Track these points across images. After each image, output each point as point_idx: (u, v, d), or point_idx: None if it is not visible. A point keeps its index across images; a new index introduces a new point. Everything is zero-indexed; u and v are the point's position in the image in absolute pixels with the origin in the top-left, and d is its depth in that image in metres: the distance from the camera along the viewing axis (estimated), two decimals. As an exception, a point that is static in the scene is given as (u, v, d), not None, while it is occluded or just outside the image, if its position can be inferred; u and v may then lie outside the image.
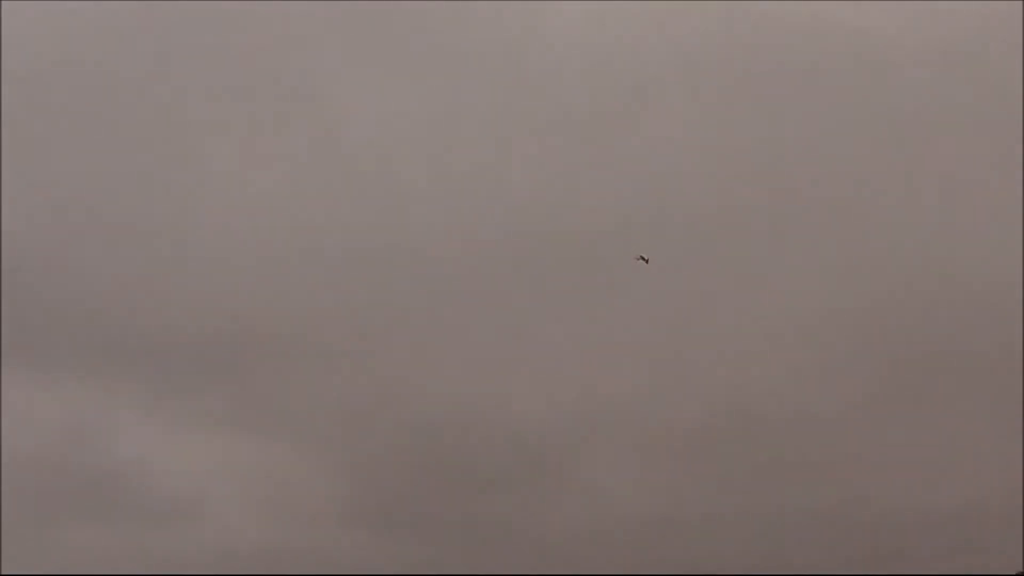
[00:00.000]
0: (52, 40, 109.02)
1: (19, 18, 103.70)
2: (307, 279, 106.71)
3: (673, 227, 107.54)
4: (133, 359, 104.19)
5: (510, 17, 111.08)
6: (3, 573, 69.26)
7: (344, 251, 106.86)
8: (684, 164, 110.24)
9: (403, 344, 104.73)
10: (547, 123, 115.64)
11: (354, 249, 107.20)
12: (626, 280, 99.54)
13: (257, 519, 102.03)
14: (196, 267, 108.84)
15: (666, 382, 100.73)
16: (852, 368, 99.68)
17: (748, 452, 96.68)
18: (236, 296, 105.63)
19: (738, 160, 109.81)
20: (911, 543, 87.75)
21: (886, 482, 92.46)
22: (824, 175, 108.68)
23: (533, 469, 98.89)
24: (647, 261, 79.61)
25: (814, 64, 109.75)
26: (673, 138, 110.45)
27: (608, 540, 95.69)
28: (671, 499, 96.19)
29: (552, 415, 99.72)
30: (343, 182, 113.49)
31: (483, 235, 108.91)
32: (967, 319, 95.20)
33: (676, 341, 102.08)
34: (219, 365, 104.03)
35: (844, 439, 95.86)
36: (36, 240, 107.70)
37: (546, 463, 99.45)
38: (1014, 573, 73.80)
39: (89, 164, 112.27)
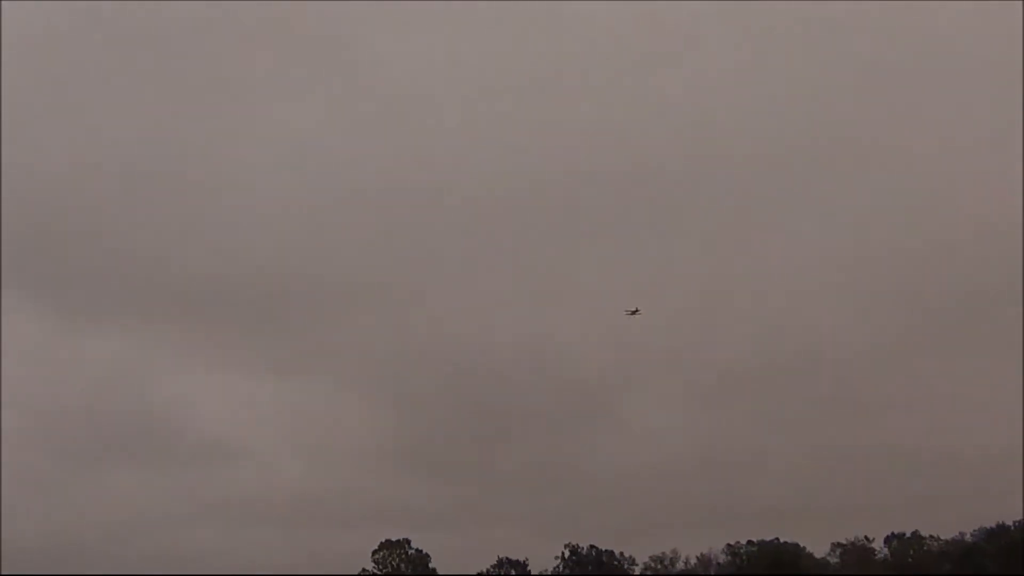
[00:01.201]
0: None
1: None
2: (346, 222, 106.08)
3: (716, 168, 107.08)
4: (177, 305, 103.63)
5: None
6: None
7: (383, 193, 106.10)
8: (725, 106, 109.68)
9: (446, 285, 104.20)
10: (589, 62, 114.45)
11: (393, 191, 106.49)
12: (671, 222, 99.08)
13: (300, 460, 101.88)
14: (238, 213, 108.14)
15: (711, 324, 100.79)
16: (890, 312, 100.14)
17: (790, 393, 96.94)
18: (277, 240, 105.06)
19: (779, 104, 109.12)
20: (941, 488, 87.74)
21: (921, 425, 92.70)
22: (866, 119, 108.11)
23: (580, 409, 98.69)
24: (636, 313, 79.82)
25: (853, 9, 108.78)
26: (714, 80, 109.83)
27: (655, 479, 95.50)
28: (716, 438, 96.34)
29: (598, 356, 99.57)
30: (380, 125, 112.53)
31: (526, 175, 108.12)
32: (1004, 265, 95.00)
33: (720, 284, 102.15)
34: (262, 309, 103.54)
35: (882, 381, 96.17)
36: (79, 191, 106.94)
37: (593, 403, 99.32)
38: None
39: (129, 117, 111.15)
